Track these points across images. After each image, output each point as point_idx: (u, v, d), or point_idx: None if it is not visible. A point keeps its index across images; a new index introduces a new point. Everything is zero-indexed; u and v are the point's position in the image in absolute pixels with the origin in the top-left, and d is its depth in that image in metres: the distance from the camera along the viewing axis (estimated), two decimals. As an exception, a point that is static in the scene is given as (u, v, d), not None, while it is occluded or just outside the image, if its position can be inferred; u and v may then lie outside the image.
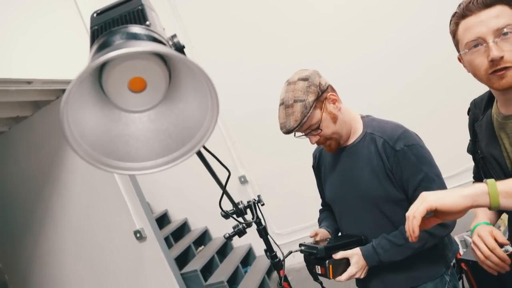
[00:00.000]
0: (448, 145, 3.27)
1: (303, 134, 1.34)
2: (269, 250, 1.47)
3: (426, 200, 0.83)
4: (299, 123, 1.27)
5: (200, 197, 4.41)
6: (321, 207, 1.72)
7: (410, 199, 1.32)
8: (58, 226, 3.71)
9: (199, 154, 0.87)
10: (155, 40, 0.49)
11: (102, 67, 0.47)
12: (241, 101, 4.23)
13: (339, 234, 1.55)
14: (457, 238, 2.45)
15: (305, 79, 1.31)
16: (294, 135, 1.37)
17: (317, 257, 1.33)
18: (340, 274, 1.31)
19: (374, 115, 1.48)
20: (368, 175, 1.34)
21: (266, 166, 4.32)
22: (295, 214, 4.22)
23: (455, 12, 1.01)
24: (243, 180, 4.40)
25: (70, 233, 3.69)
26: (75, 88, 0.41)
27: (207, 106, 0.48)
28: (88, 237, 3.63)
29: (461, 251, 2.27)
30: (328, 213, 1.64)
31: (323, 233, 1.48)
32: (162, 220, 4.65)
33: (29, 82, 2.61)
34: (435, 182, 1.28)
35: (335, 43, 3.79)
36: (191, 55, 4.26)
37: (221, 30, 4.18)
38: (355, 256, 1.32)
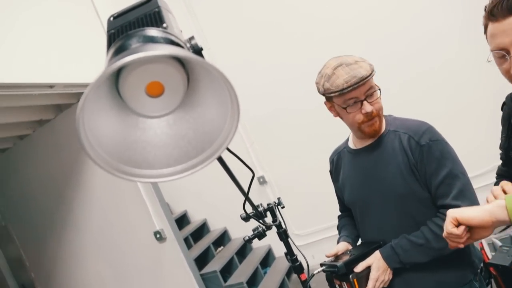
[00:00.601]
0: (469, 145, 3.18)
1: (357, 101, 1.26)
2: (290, 254, 1.44)
3: (448, 215, 0.90)
4: (371, 73, 1.25)
5: (219, 198, 4.41)
6: (339, 213, 1.68)
7: (433, 197, 1.27)
8: (80, 226, 3.78)
9: (219, 159, 0.86)
10: (172, 43, 0.47)
11: (118, 72, 0.46)
12: (259, 101, 4.20)
13: (359, 241, 1.51)
14: (484, 242, 2.36)
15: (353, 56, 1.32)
16: (346, 109, 1.29)
17: (339, 275, 1.30)
18: (366, 284, 1.27)
19: (394, 113, 1.45)
20: (392, 172, 1.30)
21: (285, 166, 4.29)
22: (315, 215, 4.17)
23: (485, 7, 0.96)
24: (262, 181, 4.38)
25: (91, 234, 3.75)
26: (91, 93, 0.40)
27: (227, 110, 0.46)
28: (109, 237, 3.68)
29: (490, 255, 2.18)
30: (347, 219, 1.60)
31: (343, 247, 1.43)
32: (182, 221, 4.68)
33: (51, 86, 2.66)
34: (460, 179, 1.24)
35: (353, 41, 3.72)
36: (208, 56, 4.28)
37: (238, 29, 4.17)
38: (375, 261, 1.28)
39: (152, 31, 0.48)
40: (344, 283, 1.30)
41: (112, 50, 0.48)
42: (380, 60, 3.68)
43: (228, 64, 4.22)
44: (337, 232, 1.63)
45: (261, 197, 4.36)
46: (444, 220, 1.21)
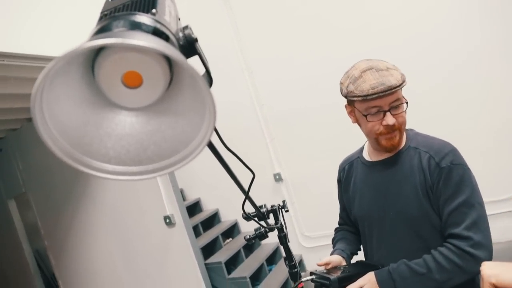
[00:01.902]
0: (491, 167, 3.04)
1: (380, 110, 1.18)
2: (288, 259, 1.39)
3: (485, 280, 0.82)
4: (401, 83, 1.15)
5: (233, 190, 4.36)
6: (337, 226, 1.60)
7: (443, 224, 1.18)
8: (94, 202, 3.85)
9: (217, 154, 0.82)
10: (155, 31, 0.43)
11: (96, 56, 0.43)
12: (285, 97, 4.14)
13: (352, 259, 1.44)
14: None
15: (386, 62, 1.23)
16: (366, 118, 1.20)
17: None
18: None
19: (417, 129, 1.36)
20: (407, 192, 1.22)
21: (303, 166, 4.22)
22: (327, 218, 4.05)
23: None
24: (278, 178, 4.33)
25: (105, 210, 3.82)
26: (52, 73, 0.36)
27: (205, 113, 0.42)
28: (121, 216, 3.74)
29: None
30: (345, 233, 1.52)
31: (336, 260, 1.36)
32: (194, 208, 4.70)
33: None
34: (476, 209, 1.14)
35: (390, 47, 3.58)
36: (239, 47, 4.24)
37: (271, 23, 4.10)
38: (367, 283, 1.19)
39: (139, 17, 0.44)
40: None
41: (94, 31, 0.45)
42: (412, 68, 3.56)
43: (259, 57, 4.17)
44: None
45: (275, 194, 4.32)
46: (451, 250, 1.14)
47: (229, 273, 3.81)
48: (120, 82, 0.43)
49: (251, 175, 1.04)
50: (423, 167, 1.19)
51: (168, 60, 0.44)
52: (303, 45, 3.99)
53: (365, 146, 1.42)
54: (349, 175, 1.45)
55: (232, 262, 4.01)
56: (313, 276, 1.28)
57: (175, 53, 0.37)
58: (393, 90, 1.14)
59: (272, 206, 1.41)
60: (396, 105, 1.18)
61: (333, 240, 1.56)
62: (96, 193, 3.86)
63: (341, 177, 1.50)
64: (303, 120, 4.15)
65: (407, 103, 1.20)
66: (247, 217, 1.29)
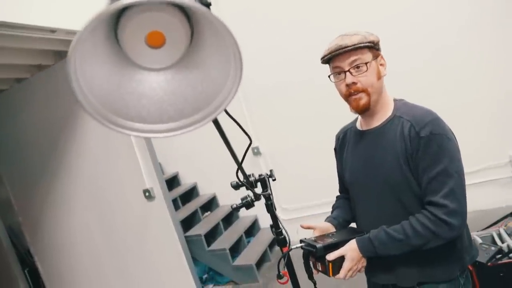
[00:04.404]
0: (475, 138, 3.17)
1: (342, 71, 1.25)
2: (275, 226, 1.44)
3: None
4: (354, 44, 1.21)
5: (212, 164, 4.42)
6: (338, 194, 1.65)
7: (422, 192, 1.24)
8: (71, 175, 3.78)
9: (215, 121, 0.84)
10: (179, -9, 0.44)
11: (119, 17, 0.43)
12: (267, 69, 4.07)
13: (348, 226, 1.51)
14: (466, 236, 2.38)
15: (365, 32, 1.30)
16: (329, 77, 1.29)
17: (316, 256, 1.30)
18: (339, 271, 1.27)
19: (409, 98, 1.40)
20: (390, 160, 1.27)
21: (282, 140, 4.27)
22: (304, 192, 4.21)
23: None
24: (256, 152, 4.38)
25: (82, 184, 3.76)
26: (85, 35, 0.37)
27: (230, 70, 0.43)
28: (99, 189, 3.70)
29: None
30: (343, 201, 1.58)
31: (323, 226, 1.42)
32: (172, 182, 4.70)
33: (52, 31, 2.58)
34: (454, 178, 1.20)
35: (380, 22, 3.50)
36: (215, 12, 4.13)
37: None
38: (349, 251, 1.27)
39: (159, -23, 0.45)
40: (319, 263, 1.30)
41: (114, -7, 0.45)
42: (391, 41, 3.59)
43: (237, 24, 3.98)
44: (323, 211, 1.63)
45: (253, 168, 4.37)
46: (427, 217, 1.20)
47: (208, 245, 3.88)
48: (144, 42, 0.44)
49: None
50: (405, 136, 1.24)
51: (188, 20, 0.45)
52: (285, 15, 3.89)
53: (359, 117, 1.46)
54: (343, 144, 1.50)
55: (212, 235, 4.08)
56: (303, 244, 1.34)
57: (203, 8, 0.38)
58: (343, 50, 1.21)
59: (260, 175, 1.45)
60: (356, 66, 1.23)
61: (332, 207, 1.62)
62: (73, 167, 3.78)
63: (337, 145, 1.55)
64: (283, 95, 4.16)
65: (367, 64, 1.23)
66: (238, 185, 1.33)
